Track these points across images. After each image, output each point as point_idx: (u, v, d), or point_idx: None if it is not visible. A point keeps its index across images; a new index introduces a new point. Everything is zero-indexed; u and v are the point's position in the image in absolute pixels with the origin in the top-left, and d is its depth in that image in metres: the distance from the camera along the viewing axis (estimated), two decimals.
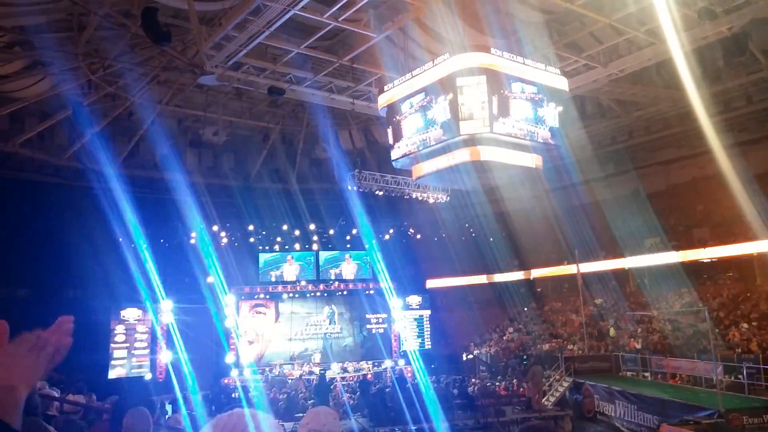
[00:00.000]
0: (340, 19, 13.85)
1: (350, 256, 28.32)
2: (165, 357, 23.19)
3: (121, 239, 21.70)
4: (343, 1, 13.12)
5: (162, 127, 21.77)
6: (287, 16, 12.81)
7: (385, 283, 27.90)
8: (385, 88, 13.84)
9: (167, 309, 23.55)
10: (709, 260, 23.40)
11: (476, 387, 20.44)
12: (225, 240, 25.94)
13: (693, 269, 23.71)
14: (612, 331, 24.02)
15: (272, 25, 13.33)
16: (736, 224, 21.97)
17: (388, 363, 26.76)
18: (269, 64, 16.35)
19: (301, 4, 12.37)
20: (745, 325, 20.03)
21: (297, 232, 26.79)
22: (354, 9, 13.53)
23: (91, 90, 18.07)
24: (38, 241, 20.26)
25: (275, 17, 12.88)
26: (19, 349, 1.20)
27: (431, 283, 31.96)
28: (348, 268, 28.23)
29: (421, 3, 13.19)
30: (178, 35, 15.07)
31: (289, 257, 27.39)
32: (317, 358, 26.07)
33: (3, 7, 13.30)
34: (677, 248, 24.14)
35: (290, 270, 27.39)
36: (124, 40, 15.55)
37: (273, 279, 27.28)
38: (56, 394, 11.62)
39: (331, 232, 28.01)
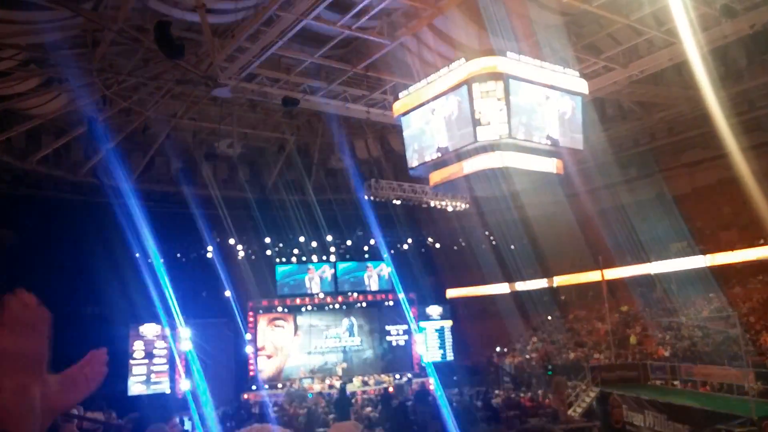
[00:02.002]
0: (353, 28, 13.72)
1: (372, 266, 28.04)
2: (184, 373, 23.06)
3: (138, 254, 21.70)
4: (356, 10, 12.98)
5: (177, 141, 21.83)
6: (300, 25, 12.69)
7: (405, 293, 27.60)
8: (400, 95, 13.65)
9: (185, 324, 23.46)
10: (738, 263, 22.78)
11: (501, 399, 20.03)
12: (242, 253, 25.85)
13: (721, 273, 23.12)
14: (633, 339, 23.50)
15: (285, 36, 13.22)
16: (765, 226, 21.35)
17: (409, 375, 26.44)
18: (283, 74, 16.26)
19: (314, 14, 12.24)
20: None
21: (314, 244, 26.61)
22: (367, 17, 13.39)
23: (105, 105, 18.14)
24: (56, 258, 20.30)
25: (288, 27, 12.77)
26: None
27: (452, 293, 31.58)
28: (373, 278, 27.96)
29: (436, 9, 12.98)
30: (191, 48, 15.02)
31: (311, 268, 27.19)
32: (340, 371, 25.83)
33: (18, 26, 13.36)
34: (704, 252, 23.57)
35: (314, 281, 27.20)
36: (138, 54, 15.58)
37: (301, 290, 27.09)
38: (76, 411, 11.52)
39: (349, 242, 27.79)
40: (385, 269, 28.11)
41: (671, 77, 18.63)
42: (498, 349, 29.00)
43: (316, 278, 27.22)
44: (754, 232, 22.53)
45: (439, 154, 12.42)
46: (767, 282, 22.89)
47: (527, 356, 26.89)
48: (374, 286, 27.95)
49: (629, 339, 23.71)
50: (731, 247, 23.20)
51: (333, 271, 27.60)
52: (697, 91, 16.47)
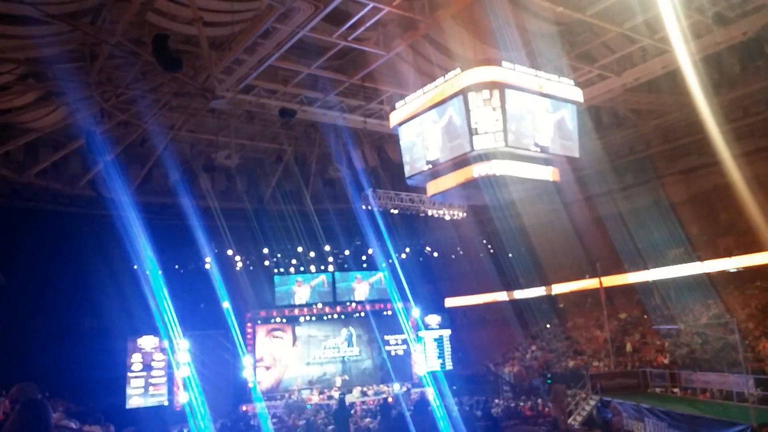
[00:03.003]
0: (349, 39, 13.79)
1: (360, 276, 27.99)
2: (182, 385, 22.96)
3: (136, 266, 21.69)
4: (352, 21, 13.06)
5: (175, 153, 21.83)
6: (297, 37, 12.77)
7: (403, 303, 27.56)
8: (397, 105, 13.70)
9: (184, 336, 23.37)
10: (736, 270, 22.82)
11: (500, 408, 19.98)
12: (240, 264, 25.80)
13: (719, 280, 23.14)
14: (628, 346, 23.47)
15: (282, 47, 13.30)
16: (762, 232, 21.40)
17: (408, 385, 26.33)
18: (280, 85, 16.32)
19: (310, 26, 12.33)
20: None
21: (312, 254, 26.60)
22: (363, 28, 13.46)
23: (103, 118, 18.15)
24: (54, 271, 20.27)
25: (285, 39, 12.85)
26: None
27: (450, 302, 31.54)
28: (359, 288, 27.88)
29: (431, 19, 13.08)
30: (188, 60, 15.08)
31: (298, 279, 27.10)
32: (339, 382, 25.73)
33: (17, 40, 13.42)
34: (702, 258, 23.60)
35: (301, 292, 27.08)
36: (136, 67, 15.63)
37: (286, 302, 26.99)
38: (74, 425, 11.47)
39: (347, 252, 27.78)
40: (364, 281, 27.97)
41: (665, 85, 18.74)
42: (497, 357, 28.94)
43: (303, 289, 27.09)
44: (751, 238, 22.56)
45: (431, 166, 12.48)
46: (765, 288, 22.91)
47: (526, 365, 26.82)
48: (360, 296, 27.82)
49: (626, 346, 23.68)
50: (729, 253, 23.24)
51: (318, 280, 27.47)
52: (691, 99, 16.57)
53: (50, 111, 17.41)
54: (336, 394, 23.16)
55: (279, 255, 26.71)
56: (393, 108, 13.73)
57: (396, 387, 25.94)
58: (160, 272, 22.14)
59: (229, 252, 25.04)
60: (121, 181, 20.29)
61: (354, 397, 24.21)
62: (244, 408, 23.49)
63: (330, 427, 17.18)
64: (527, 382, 25.02)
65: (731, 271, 22.97)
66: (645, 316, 25.75)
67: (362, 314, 27.74)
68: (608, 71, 16.19)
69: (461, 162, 11.99)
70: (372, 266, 28.14)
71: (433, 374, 27.06)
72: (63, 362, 19.83)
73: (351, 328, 27.56)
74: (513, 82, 11.65)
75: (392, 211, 23.91)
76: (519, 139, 11.60)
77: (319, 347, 26.98)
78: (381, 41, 14.34)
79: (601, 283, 23.01)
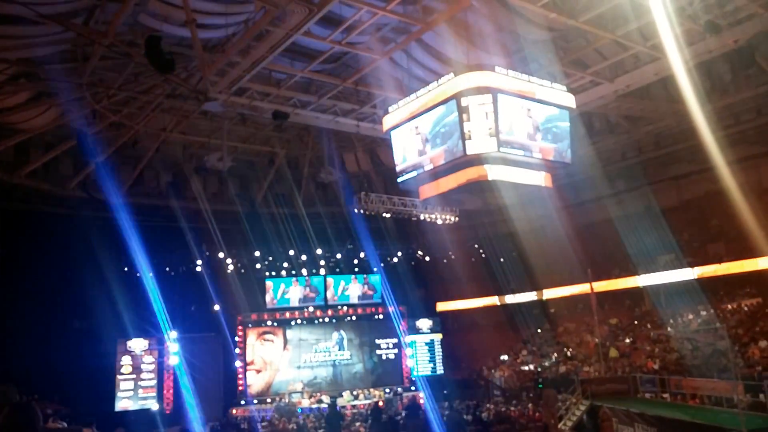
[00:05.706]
0: (343, 43, 13.80)
1: (356, 278, 27.94)
2: (172, 388, 22.85)
3: (127, 268, 21.57)
4: (346, 25, 13.07)
5: (166, 155, 21.76)
6: (290, 40, 12.75)
7: (395, 307, 27.50)
8: (390, 109, 13.68)
9: (174, 339, 23.26)
10: (726, 276, 22.93)
11: (491, 412, 19.98)
12: (231, 267, 25.71)
13: (709, 286, 23.24)
14: (614, 352, 23.48)
15: (275, 50, 13.27)
16: (752, 238, 21.54)
17: (399, 389, 26.29)
18: (273, 88, 16.30)
19: (304, 29, 12.31)
20: (765, 342, 19.51)
21: (304, 257, 26.50)
22: (357, 32, 13.48)
23: (95, 119, 18.07)
24: (43, 273, 20.13)
25: (278, 42, 12.82)
26: None
27: (442, 306, 31.53)
28: (351, 292, 27.77)
29: (425, 24, 13.11)
30: (181, 62, 15.08)
31: (294, 281, 27.00)
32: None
33: (8, 40, 13.34)
34: (692, 264, 23.70)
35: (295, 294, 26.94)
36: (128, 69, 15.58)
37: (283, 304, 26.87)
38: (64, 425, 11.41)
39: (339, 255, 27.71)
40: (355, 285, 27.91)
41: (657, 91, 18.84)
42: (488, 362, 28.94)
43: (298, 290, 26.97)
44: (741, 245, 22.69)
45: (423, 170, 12.47)
46: (754, 294, 23.03)
47: (517, 369, 26.82)
48: (352, 300, 27.76)
49: (611, 352, 23.65)
50: (719, 259, 23.33)
51: (323, 284, 27.40)
52: (683, 105, 16.68)
53: (41, 112, 17.31)
54: (326, 398, 23.10)
55: (270, 258, 26.59)
56: (386, 112, 13.70)
57: (387, 391, 25.90)
58: (150, 274, 22.05)
59: (221, 255, 24.94)
60: (112, 182, 20.22)
61: (345, 401, 24.16)
62: (233, 411, 23.38)
63: (320, 431, 17.16)
64: (518, 386, 25.02)
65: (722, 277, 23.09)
66: (635, 322, 25.83)
67: (353, 318, 27.67)
68: (601, 78, 16.27)
69: (453, 166, 11.97)
70: (363, 270, 28.09)
71: (423, 378, 27.06)
72: (52, 364, 19.68)
73: (342, 332, 27.50)
74: (506, 87, 11.65)
75: (384, 214, 23.91)
76: (511, 144, 11.61)
77: (310, 351, 26.90)
78: (375, 45, 14.35)
79: (592, 288, 23.02)
